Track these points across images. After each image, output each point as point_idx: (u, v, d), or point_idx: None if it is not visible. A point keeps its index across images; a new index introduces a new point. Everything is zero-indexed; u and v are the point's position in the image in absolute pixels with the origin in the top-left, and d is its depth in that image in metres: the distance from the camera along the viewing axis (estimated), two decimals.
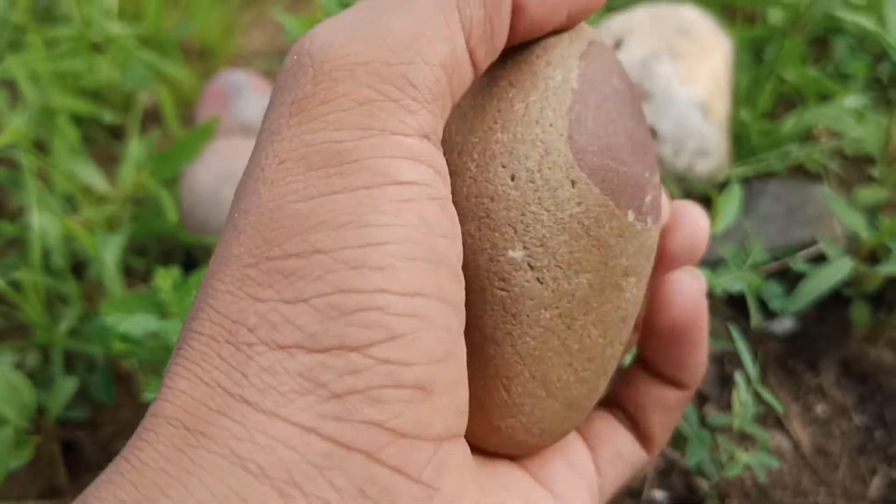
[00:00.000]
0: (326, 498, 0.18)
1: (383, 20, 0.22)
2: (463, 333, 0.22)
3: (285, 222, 0.20)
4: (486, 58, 0.23)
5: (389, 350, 0.19)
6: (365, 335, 0.19)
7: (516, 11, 0.23)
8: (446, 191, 0.22)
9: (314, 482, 0.18)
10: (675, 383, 0.29)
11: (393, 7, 0.22)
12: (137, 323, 0.57)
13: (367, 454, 0.19)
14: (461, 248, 0.22)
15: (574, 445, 0.28)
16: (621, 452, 0.29)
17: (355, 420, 0.19)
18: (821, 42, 0.85)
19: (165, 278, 0.57)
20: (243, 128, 0.75)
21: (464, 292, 0.22)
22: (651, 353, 0.29)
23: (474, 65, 0.23)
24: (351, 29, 0.22)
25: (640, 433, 0.30)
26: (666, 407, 0.29)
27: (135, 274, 0.71)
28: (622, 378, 0.31)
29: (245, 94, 0.76)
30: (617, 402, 0.31)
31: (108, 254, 0.62)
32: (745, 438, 0.57)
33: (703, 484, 0.55)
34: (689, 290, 0.28)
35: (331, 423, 0.19)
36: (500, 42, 0.23)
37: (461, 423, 0.21)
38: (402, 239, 0.20)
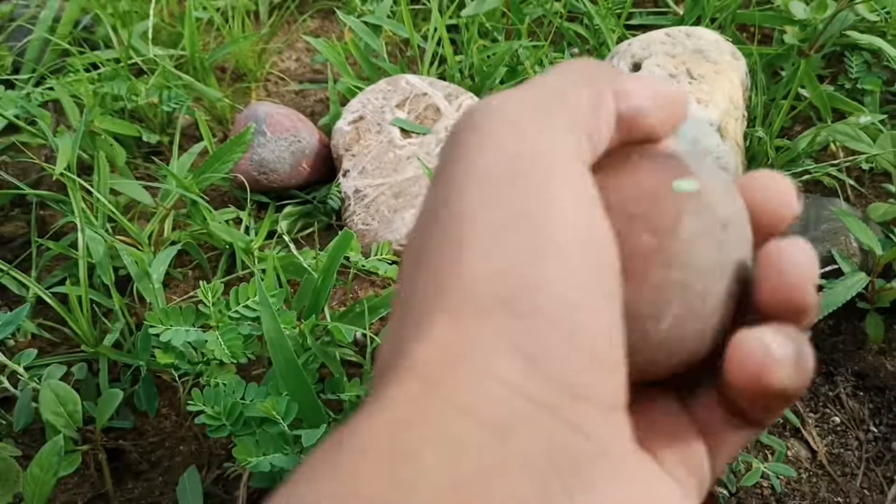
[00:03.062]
0: (525, 449, 0.21)
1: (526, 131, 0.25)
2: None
3: (472, 219, 0.23)
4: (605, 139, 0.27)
5: (568, 319, 0.22)
6: (550, 307, 0.22)
7: (629, 119, 0.27)
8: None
9: (514, 431, 0.21)
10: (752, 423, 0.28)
11: (531, 85, 0.25)
12: (179, 334, 0.60)
13: (553, 410, 0.22)
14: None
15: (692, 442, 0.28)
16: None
17: (544, 379, 0.22)
18: (837, 59, 0.86)
19: (207, 292, 0.60)
20: (260, 165, 0.78)
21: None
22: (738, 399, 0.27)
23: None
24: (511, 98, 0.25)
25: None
26: (735, 441, 0.28)
27: (177, 283, 0.74)
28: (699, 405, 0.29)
29: (265, 134, 0.79)
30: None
31: (155, 270, 0.65)
32: (762, 448, 0.59)
33: (721, 493, 0.57)
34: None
35: (526, 381, 0.21)
36: (606, 140, 0.27)
37: (624, 397, 0.24)
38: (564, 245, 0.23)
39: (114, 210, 0.71)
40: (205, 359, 0.61)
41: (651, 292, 0.25)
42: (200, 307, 0.61)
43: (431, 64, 0.86)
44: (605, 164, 0.27)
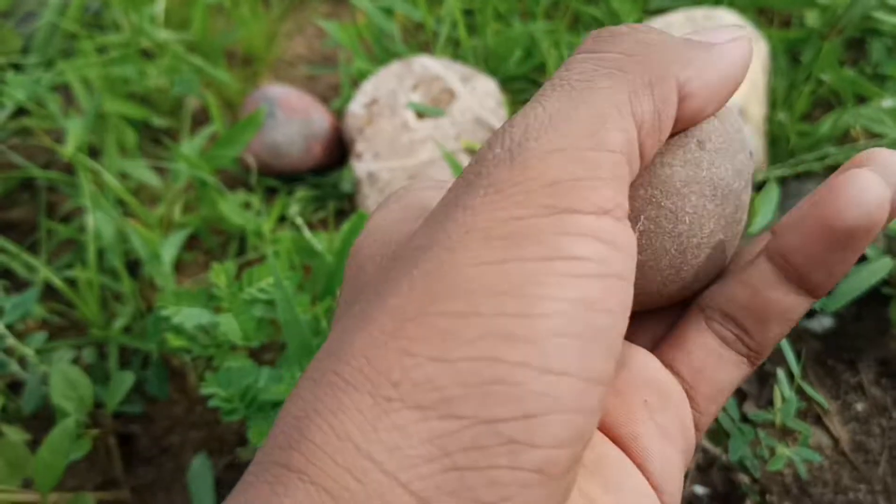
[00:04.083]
0: None
1: (570, 113, 0.23)
2: (601, 411, 0.22)
3: (454, 281, 0.21)
4: (652, 149, 0.25)
5: (518, 429, 0.20)
6: (499, 409, 0.20)
7: (682, 102, 0.25)
8: (623, 265, 0.22)
9: None
10: (808, 289, 0.27)
11: (577, 101, 0.23)
12: (191, 316, 0.59)
13: None
14: (625, 323, 0.23)
15: (668, 400, 0.28)
16: (723, 384, 0.28)
17: (468, 499, 0.19)
18: (858, 44, 0.85)
19: (220, 274, 0.59)
20: (271, 148, 0.77)
21: (614, 367, 0.22)
22: (795, 253, 0.26)
23: (642, 155, 0.24)
24: (544, 120, 0.23)
25: (748, 344, 0.28)
26: (786, 317, 0.27)
27: (187, 267, 0.74)
28: (741, 279, 0.28)
29: (276, 116, 0.78)
30: (729, 309, 0.28)
31: (166, 253, 0.64)
32: (786, 434, 0.58)
33: (744, 479, 0.56)
34: (877, 189, 0.24)
35: (445, 497, 0.19)
36: (666, 132, 0.25)
37: (566, 499, 0.22)
38: (559, 313, 0.21)
39: (124, 192, 0.70)
40: (216, 342, 0.60)
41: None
42: (212, 290, 0.60)
43: (445, 47, 0.85)
44: None
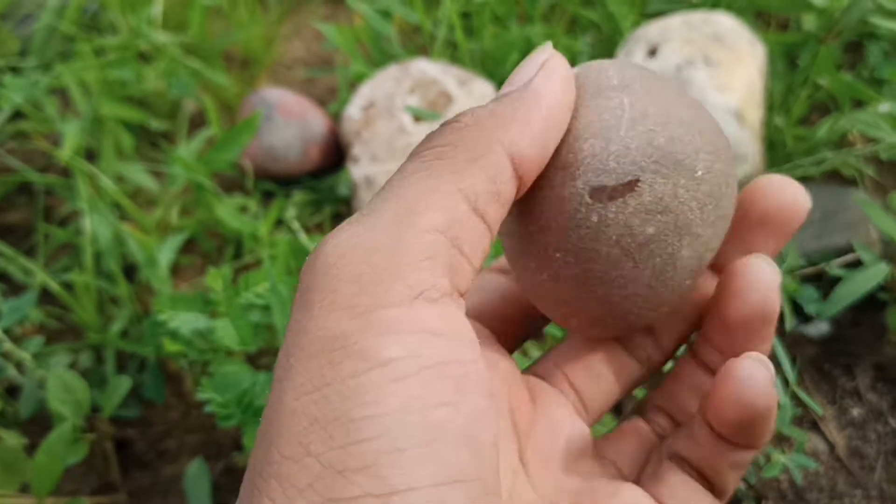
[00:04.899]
0: None
1: (380, 206, 0.22)
2: None
3: (284, 421, 0.20)
4: (498, 214, 0.24)
5: None
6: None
7: (519, 162, 0.24)
8: (448, 348, 0.21)
9: None
10: (748, 445, 0.27)
11: (390, 196, 0.23)
12: (187, 320, 0.59)
13: None
14: (479, 400, 0.21)
15: None
16: None
17: None
18: (855, 47, 0.85)
19: (216, 279, 0.59)
20: (268, 151, 0.77)
21: (476, 455, 0.21)
22: (721, 427, 0.27)
23: (488, 224, 0.24)
24: (357, 221, 0.23)
25: (712, 489, 0.28)
26: (738, 468, 0.28)
27: (183, 271, 0.74)
28: (690, 435, 0.29)
29: (273, 119, 0.78)
30: (686, 458, 0.29)
31: (163, 257, 0.64)
32: (781, 440, 0.58)
33: (740, 485, 0.56)
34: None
35: None
36: (509, 196, 0.24)
37: None
38: (388, 428, 0.19)
39: (121, 195, 0.70)
40: (212, 347, 0.60)
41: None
42: (209, 294, 0.60)
43: (442, 50, 0.85)
44: None
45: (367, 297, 0.21)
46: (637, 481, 0.29)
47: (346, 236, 0.22)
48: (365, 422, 0.19)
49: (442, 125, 0.25)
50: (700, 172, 0.26)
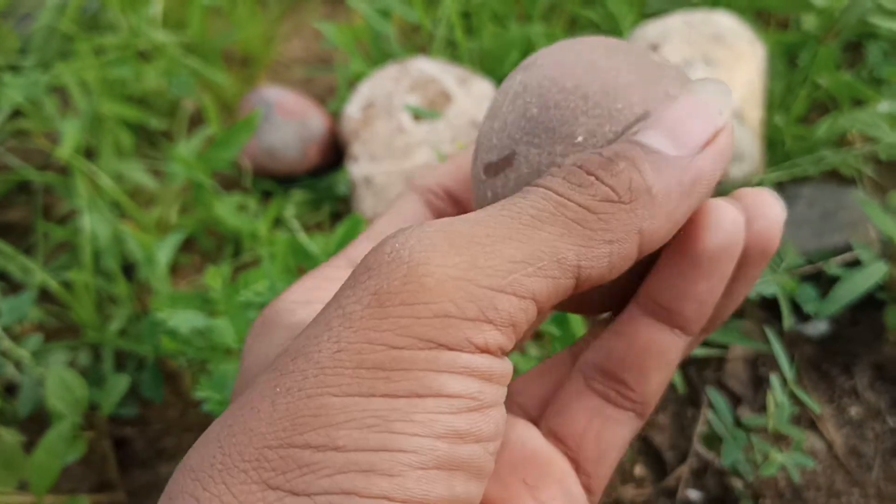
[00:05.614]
0: None
1: (495, 245, 0.21)
2: None
3: (317, 412, 0.20)
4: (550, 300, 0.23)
5: None
6: None
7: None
8: (495, 395, 0.22)
9: None
10: (681, 325, 0.26)
11: (508, 235, 0.22)
12: (186, 319, 0.59)
13: None
14: (497, 442, 0.22)
15: (549, 475, 0.27)
16: (610, 443, 0.27)
17: None
18: (855, 47, 0.85)
19: (215, 277, 0.59)
20: (268, 150, 0.77)
21: (481, 486, 0.22)
22: (662, 292, 0.26)
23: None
24: (458, 241, 0.21)
25: (631, 398, 0.27)
26: (664, 361, 0.27)
27: (182, 269, 0.74)
28: (614, 330, 0.27)
29: (272, 119, 0.78)
30: (607, 366, 0.27)
31: (162, 255, 0.64)
32: (779, 439, 0.58)
33: (738, 484, 0.56)
34: (729, 217, 0.25)
35: None
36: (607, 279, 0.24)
37: None
38: (423, 448, 0.20)
39: (120, 194, 0.71)
40: (211, 345, 0.60)
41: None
42: (207, 293, 0.60)
43: (442, 49, 0.85)
44: None
45: (445, 336, 0.21)
46: (542, 412, 0.29)
47: (448, 258, 0.22)
48: (403, 437, 0.20)
49: (607, 173, 0.23)
50: (580, 138, 0.25)
